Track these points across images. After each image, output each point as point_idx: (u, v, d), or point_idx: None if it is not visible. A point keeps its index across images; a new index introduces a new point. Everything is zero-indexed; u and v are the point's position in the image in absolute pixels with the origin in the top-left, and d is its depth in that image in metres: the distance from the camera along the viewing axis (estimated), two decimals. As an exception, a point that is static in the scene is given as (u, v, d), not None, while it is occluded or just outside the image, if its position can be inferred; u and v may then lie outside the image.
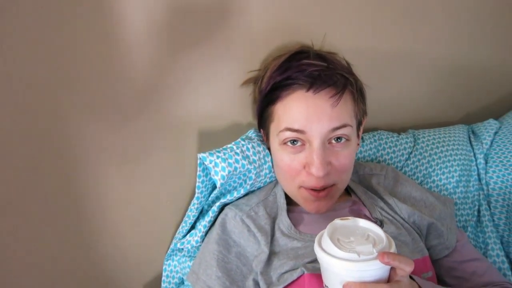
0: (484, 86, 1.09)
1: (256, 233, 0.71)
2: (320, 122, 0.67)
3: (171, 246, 0.87)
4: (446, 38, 1.00)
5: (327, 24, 0.87)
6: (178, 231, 0.86)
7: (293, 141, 0.70)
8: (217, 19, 0.79)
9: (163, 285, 0.90)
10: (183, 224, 0.84)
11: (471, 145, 0.96)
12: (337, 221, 0.56)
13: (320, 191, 0.70)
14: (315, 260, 0.66)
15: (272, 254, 0.69)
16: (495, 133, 0.96)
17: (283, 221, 0.73)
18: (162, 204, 0.87)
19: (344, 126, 0.68)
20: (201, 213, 0.83)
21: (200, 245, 0.80)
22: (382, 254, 0.49)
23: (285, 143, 0.71)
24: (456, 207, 0.88)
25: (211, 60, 0.80)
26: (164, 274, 0.90)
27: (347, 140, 0.70)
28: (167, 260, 0.90)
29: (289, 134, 0.69)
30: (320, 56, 0.74)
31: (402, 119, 1.02)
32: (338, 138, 0.70)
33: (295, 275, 0.64)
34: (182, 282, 0.91)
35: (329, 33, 0.86)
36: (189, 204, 0.87)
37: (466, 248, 0.77)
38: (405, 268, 0.50)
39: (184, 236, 0.83)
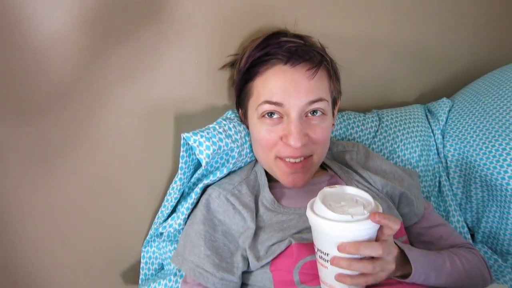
0: (436, 69, 1.18)
1: (241, 210, 0.72)
2: (297, 95, 0.70)
3: (150, 232, 0.86)
4: (404, 25, 1.07)
5: (296, 10, 0.90)
6: (157, 216, 0.85)
7: (271, 114, 0.72)
8: (186, 4, 0.79)
9: (142, 272, 0.89)
10: (162, 208, 0.84)
11: (429, 123, 1.03)
12: (326, 189, 0.59)
13: (297, 163, 0.73)
14: (301, 231, 0.69)
15: (258, 229, 0.71)
16: (449, 110, 1.04)
17: (266, 197, 0.75)
18: (136, 192, 0.86)
19: (320, 100, 0.71)
20: (182, 196, 0.82)
21: (182, 228, 0.80)
22: (374, 214, 0.53)
23: (263, 116, 0.73)
24: (420, 179, 0.95)
25: (184, 45, 0.81)
26: (142, 261, 0.89)
27: (323, 114, 0.73)
28: (145, 247, 0.89)
29: (267, 107, 0.71)
30: (297, 35, 0.77)
31: (366, 100, 1.08)
32: (314, 112, 0.73)
33: (283, 246, 0.66)
34: (162, 267, 0.90)
35: (298, 18, 0.89)
36: (166, 189, 0.87)
37: (432, 215, 0.83)
38: (393, 226, 0.54)
39: (165, 220, 0.82)
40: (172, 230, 0.81)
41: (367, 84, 1.07)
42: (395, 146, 0.96)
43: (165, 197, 0.84)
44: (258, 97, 0.73)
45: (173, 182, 0.81)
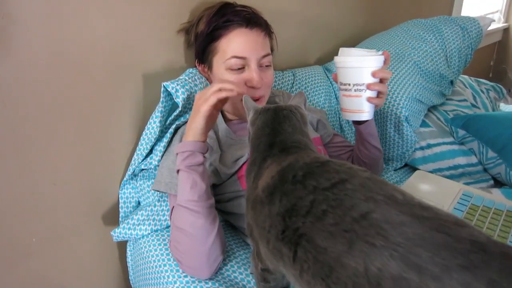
0: (328, 37, 1.53)
1: (208, 140, 0.94)
2: (255, 50, 0.93)
3: (128, 173, 1.02)
4: (308, 4, 1.39)
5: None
6: (133, 159, 1.00)
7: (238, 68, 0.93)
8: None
9: (121, 210, 1.04)
10: (138, 151, 0.99)
11: (327, 77, 1.38)
12: (342, 49, 0.85)
13: (256, 101, 0.97)
14: None
15: (222, 152, 0.94)
16: (341, 67, 1.40)
17: (224, 130, 0.99)
18: (110, 139, 1.01)
19: (268, 54, 0.97)
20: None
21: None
22: (384, 51, 0.82)
23: (230, 68, 0.93)
24: (326, 115, 1.28)
25: (145, 14, 0.98)
26: (121, 201, 1.04)
27: (270, 64, 0.98)
28: (121, 190, 1.04)
29: (234, 61, 0.92)
30: (245, 6, 0.99)
31: (281, 62, 1.37)
32: (265, 63, 0.96)
33: (245, 158, 0.91)
34: (138, 204, 1.07)
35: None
36: (138, 136, 1.04)
37: (338, 135, 1.17)
38: (389, 60, 0.84)
39: (144, 159, 1.00)
40: (152, 167, 0.99)
41: (282, 51, 1.36)
42: (308, 94, 1.29)
43: (140, 142, 0.99)
44: (224, 53, 0.93)
45: (147, 128, 0.97)
